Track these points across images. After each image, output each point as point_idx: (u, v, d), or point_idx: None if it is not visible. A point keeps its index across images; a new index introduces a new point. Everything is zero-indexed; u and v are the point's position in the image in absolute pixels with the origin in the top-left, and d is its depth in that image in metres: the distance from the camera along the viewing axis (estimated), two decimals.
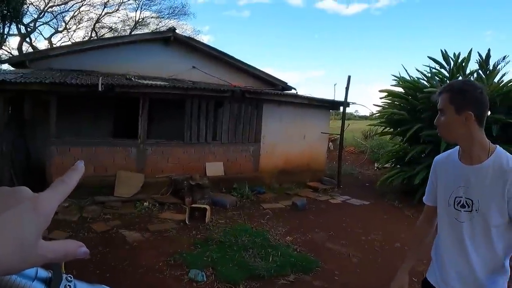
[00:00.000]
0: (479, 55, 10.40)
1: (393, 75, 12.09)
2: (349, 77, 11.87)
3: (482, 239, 2.16)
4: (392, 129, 12.21)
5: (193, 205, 8.24)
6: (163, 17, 30.43)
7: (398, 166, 11.63)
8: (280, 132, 11.54)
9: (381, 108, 12.53)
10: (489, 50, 10.29)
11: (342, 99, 12.30)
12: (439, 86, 9.62)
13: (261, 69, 13.37)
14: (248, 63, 12.94)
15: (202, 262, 6.02)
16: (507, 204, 2.04)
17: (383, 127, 12.65)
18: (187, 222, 7.84)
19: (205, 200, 9.04)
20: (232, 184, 10.29)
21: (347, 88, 11.95)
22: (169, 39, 11.39)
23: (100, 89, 8.17)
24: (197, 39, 12.35)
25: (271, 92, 11.27)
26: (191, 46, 11.94)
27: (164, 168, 9.72)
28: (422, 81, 11.30)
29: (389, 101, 12.28)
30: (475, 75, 10.64)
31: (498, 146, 2.15)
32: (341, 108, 12.71)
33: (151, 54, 11.26)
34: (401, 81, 11.82)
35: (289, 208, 9.61)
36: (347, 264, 6.41)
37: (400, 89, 11.83)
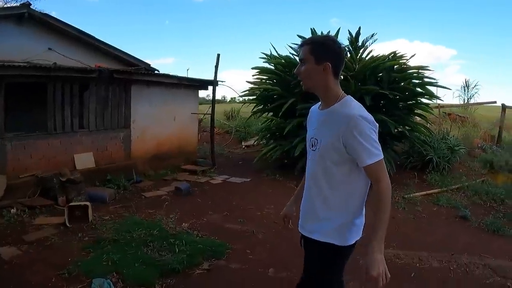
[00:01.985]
0: (349, 33, 10.58)
1: (262, 53, 11.85)
2: (218, 55, 11.17)
3: (323, 177, 2.26)
4: (263, 106, 11.88)
5: (71, 204, 6.87)
6: None
7: (272, 141, 11.38)
8: (150, 115, 10.43)
9: (252, 85, 12.14)
10: (359, 28, 10.51)
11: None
12: None
13: None
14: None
15: (103, 267, 4.97)
16: (345, 147, 2.12)
17: (255, 105, 12.24)
18: (67, 225, 6.53)
19: (81, 196, 7.69)
20: (105, 176, 8.99)
21: (216, 67, 11.24)
22: (23, 16, 9.36)
23: None
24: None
25: (142, 72, 9.98)
26: (47, 24, 9.89)
27: (28, 165, 8.02)
28: (295, 57, 11.02)
29: (263, 78, 11.98)
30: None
31: (349, 96, 2.24)
32: (210, 88, 12.02)
33: (1, 35, 9.10)
34: (271, 58, 11.60)
35: (172, 194, 8.77)
36: (255, 241, 6.09)
37: (271, 67, 11.57)
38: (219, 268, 5.08)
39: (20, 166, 7.92)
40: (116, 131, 9.63)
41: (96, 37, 10.84)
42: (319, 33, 10.73)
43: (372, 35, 10.55)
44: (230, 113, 17.09)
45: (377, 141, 2.13)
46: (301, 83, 2.32)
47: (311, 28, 11.07)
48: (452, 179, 10.51)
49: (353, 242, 2.35)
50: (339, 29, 11.06)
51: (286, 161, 11.13)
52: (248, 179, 10.36)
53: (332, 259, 2.34)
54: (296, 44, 11.37)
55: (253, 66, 11.64)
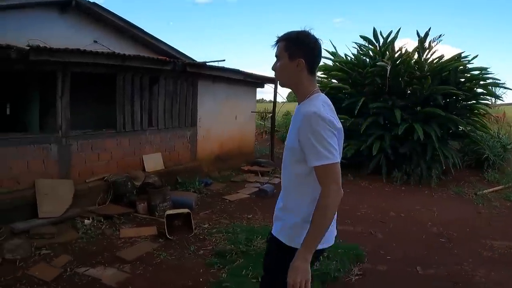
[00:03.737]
0: (418, 34, 9.30)
1: (326, 50, 10.53)
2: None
3: (285, 175, 2.07)
4: None
5: (169, 212, 5.19)
6: None
7: None
8: (214, 113, 8.81)
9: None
10: (429, 29, 9.34)
11: None
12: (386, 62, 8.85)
13: None
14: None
15: (253, 285, 3.69)
16: (301, 147, 1.86)
17: None
18: (168, 237, 4.92)
19: (166, 203, 6.00)
20: (174, 178, 7.32)
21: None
22: (69, 5, 7.64)
23: (14, 56, 4.64)
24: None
25: (214, 65, 8.24)
26: (94, 14, 8.22)
27: (95, 168, 6.33)
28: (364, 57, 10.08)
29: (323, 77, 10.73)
30: (415, 54, 9.50)
31: (320, 93, 1.99)
32: (265, 86, 10.47)
33: (43, 24, 7.27)
34: (336, 56, 10.42)
35: (256, 196, 7.24)
36: (379, 242, 5.25)
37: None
38: (370, 272, 4.25)
39: (86, 169, 6.23)
40: (183, 130, 7.98)
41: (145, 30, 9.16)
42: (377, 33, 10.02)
43: (440, 36, 9.38)
44: (264, 113, 15.32)
45: (332, 143, 1.79)
46: (276, 78, 2.16)
47: (373, 28, 9.90)
48: (509, 176, 9.83)
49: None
50: (399, 29, 9.57)
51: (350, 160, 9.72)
52: None
53: (282, 258, 1.93)
54: (358, 43, 10.54)
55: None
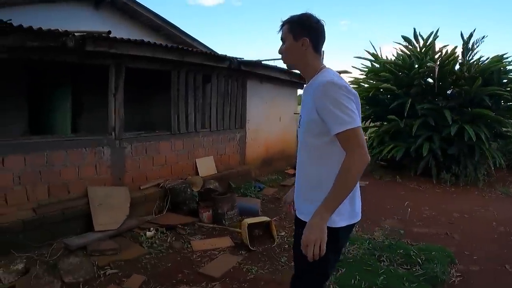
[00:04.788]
0: (461, 35, 8.53)
1: (366, 51, 9.83)
2: (322, 52, 8.68)
3: (305, 153, 1.89)
4: (367, 107, 9.50)
5: (251, 222, 4.21)
6: None
7: (386, 141, 9.00)
8: (261, 114, 7.86)
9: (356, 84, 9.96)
10: (474, 30, 8.61)
11: None
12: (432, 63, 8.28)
13: None
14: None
15: None
16: (320, 117, 1.72)
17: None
18: (251, 248, 4.01)
19: (234, 210, 5.05)
20: (226, 183, 6.39)
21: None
22: (103, 1, 6.77)
23: (71, 44, 3.74)
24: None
25: (268, 64, 7.18)
26: (128, 11, 7.38)
27: (149, 173, 5.41)
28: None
29: (358, 79, 10.06)
30: (460, 55, 8.70)
31: (328, 68, 1.91)
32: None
33: (78, 20, 6.35)
34: (377, 57, 9.62)
35: None
36: (457, 243, 4.74)
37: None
38: (465, 273, 3.84)
39: (140, 175, 5.31)
40: (233, 132, 7.05)
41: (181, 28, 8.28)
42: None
43: (483, 37, 8.57)
44: None
45: (352, 108, 1.67)
46: (283, 61, 2.00)
47: (414, 28, 9.34)
48: None
49: (342, 224, 1.78)
50: (437, 29, 8.91)
51: (391, 163, 9.13)
52: (366, 182, 8.05)
53: None
54: (397, 43, 9.88)
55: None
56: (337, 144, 1.70)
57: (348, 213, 1.83)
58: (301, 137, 1.91)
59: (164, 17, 8.01)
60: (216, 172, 6.41)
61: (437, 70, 7.97)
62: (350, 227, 1.86)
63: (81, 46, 3.99)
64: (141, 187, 5.24)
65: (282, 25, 1.94)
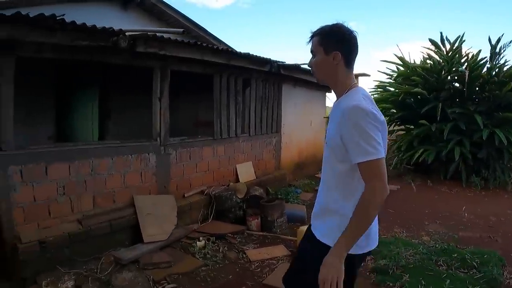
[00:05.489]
0: (489, 40, 8.12)
1: (395, 55, 9.67)
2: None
3: (328, 173, 1.75)
4: (397, 111, 9.06)
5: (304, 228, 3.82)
6: None
7: (415, 145, 8.52)
8: (294, 118, 7.42)
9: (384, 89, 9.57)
10: (502, 34, 8.42)
11: None
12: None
13: None
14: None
15: None
16: (342, 141, 1.57)
17: (383, 110, 9.44)
18: None
19: (283, 218, 4.64)
20: (264, 189, 5.94)
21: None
22: (131, 1, 6.42)
23: (124, 44, 3.36)
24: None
25: (305, 68, 6.64)
26: (156, 13, 7.00)
27: (192, 180, 5.00)
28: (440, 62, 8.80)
29: (384, 83, 9.67)
30: (486, 58, 8.31)
31: (359, 86, 1.72)
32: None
33: (103, 20, 5.91)
34: (404, 60, 9.18)
35: None
36: (503, 246, 4.46)
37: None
38: None
39: (184, 182, 4.90)
40: (270, 136, 6.63)
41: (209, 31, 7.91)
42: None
43: (510, 42, 8.18)
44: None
45: (376, 137, 1.50)
46: (314, 75, 1.81)
47: (440, 32, 8.93)
48: None
49: (355, 252, 1.59)
50: (463, 33, 8.62)
51: (421, 166, 8.71)
52: (398, 186, 7.65)
53: (321, 257, 1.55)
54: (425, 48, 9.55)
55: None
56: (358, 173, 1.57)
57: (361, 242, 1.63)
58: (326, 152, 1.78)
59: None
60: (255, 177, 6.00)
61: (467, 74, 7.61)
62: (364, 255, 1.74)
63: (132, 47, 3.61)
64: (185, 195, 4.84)
65: (312, 37, 1.76)
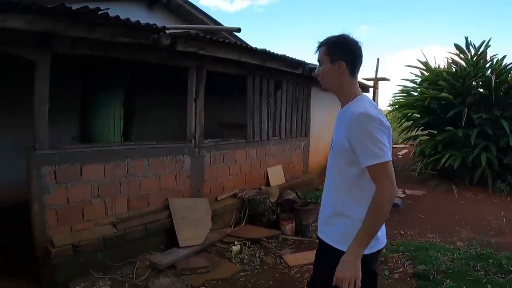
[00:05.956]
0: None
1: (418, 60, 9.05)
2: (378, 60, 8.34)
3: (335, 178, 1.77)
4: (419, 116, 8.80)
5: None
6: None
7: (438, 151, 8.20)
8: (321, 121, 7.15)
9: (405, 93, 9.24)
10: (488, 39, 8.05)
11: None
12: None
13: None
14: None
15: None
16: (351, 146, 1.62)
17: (408, 115, 9.20)
18: None
19: (317, 222, 4.39)
20: (293, 193, 5.68)
21: (376, 71, 8.80)
22: (158, 1, 6.27)
23: (166, 42, 3.18)
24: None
25: None
26: (182, 14, 6.83)
27: (225, 183, 4.78)
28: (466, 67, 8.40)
29: (408, 87, 9.36)
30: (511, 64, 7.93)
31: (363, 94, 1.79)
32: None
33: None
34: (428, 65, 8.84)
35: None
36: None
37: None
38: None
39: (217, 185, 4.69)
40: (299, 140, 6.38)
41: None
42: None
43: None
44: None
45: (384, 141, 1.56)
46: (320, 83, 1.83)
47: (465, 37, 8.36)
48: None
49: (368, 252, 1.60)
50: (490, 38, 8.19)
51: (446, 171, 8.29)
52: (424, 191, 7.38)
53: (335, 262, 1.59)
54: (450, 53, 9.01)
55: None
56: (367, 175, 1.61)
57: (374, 241, 1.65)
58: (331, 158, 1.82)
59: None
60: (285, 181, 5.76)
61: (493, 79, 7.30)
62: (376, 254, 1.75)
63: (172, 45, 3.43)
64: (218, 198, 4.62)
65: (319, 47, 1.79)
